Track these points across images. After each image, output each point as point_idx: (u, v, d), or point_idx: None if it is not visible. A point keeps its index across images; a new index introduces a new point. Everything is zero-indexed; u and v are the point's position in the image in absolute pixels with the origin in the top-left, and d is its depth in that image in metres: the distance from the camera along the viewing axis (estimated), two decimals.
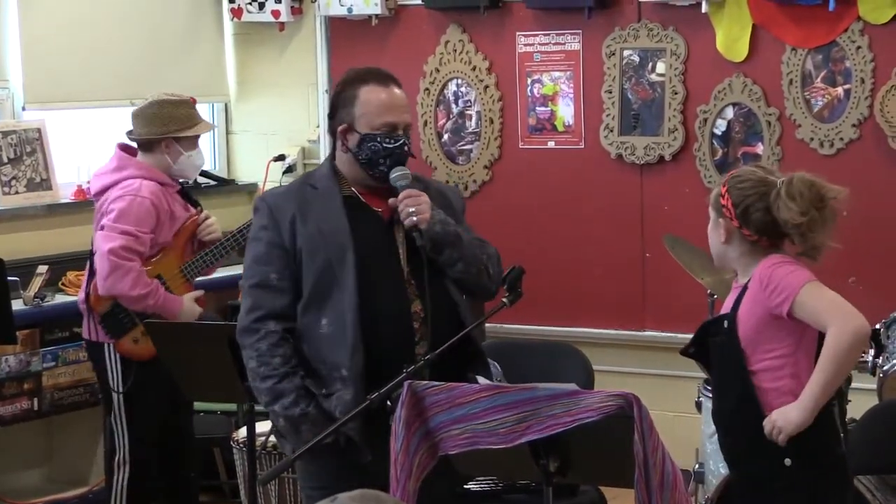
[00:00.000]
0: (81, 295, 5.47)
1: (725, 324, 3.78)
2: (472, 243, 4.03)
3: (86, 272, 5.48)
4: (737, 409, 3.74)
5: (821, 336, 3.70)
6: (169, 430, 5.56)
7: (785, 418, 3.64)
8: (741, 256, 3.80)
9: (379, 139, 3.93)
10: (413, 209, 3.88)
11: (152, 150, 5.47)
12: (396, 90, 3.99)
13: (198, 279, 5.59)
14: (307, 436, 3.81)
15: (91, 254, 5.41)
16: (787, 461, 3.66)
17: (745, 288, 3.78)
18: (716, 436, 4.59)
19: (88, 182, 6.60)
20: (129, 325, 5.37)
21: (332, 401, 3.85)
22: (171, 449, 5.59)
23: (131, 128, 5.54)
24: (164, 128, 5.45)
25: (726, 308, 3.82)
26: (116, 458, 5.46)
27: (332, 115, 4.03)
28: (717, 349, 3.82)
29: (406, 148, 3.97)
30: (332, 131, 4.03)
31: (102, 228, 5.34)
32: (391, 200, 3.94)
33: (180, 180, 5.58)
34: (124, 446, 5.44)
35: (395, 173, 3.93)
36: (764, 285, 3.69)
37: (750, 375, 3.71)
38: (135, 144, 5.55)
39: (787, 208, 3.69)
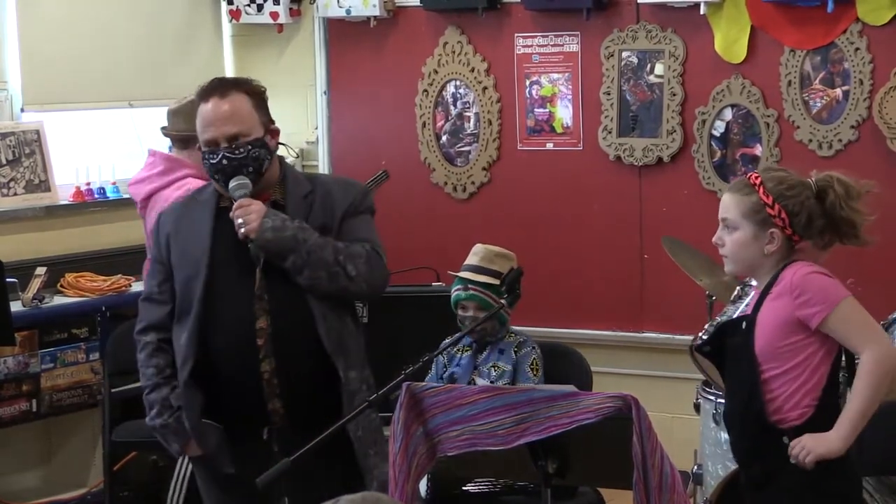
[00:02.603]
0: None
1: (743, 325, 3.72)
2: (320, 246, 3.90)
3: None
4: (745, 410, 3.69)
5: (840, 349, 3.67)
6: None
7: (818, 443, 3.58)
8: (776, 263, 3.71)
9: (206, 156, 3.95)
10: (241, 220, 3.87)
11: (188, 146, 5.39)
12: (219, 101, 3.93)
13: None
14: (174, 446, 4.02)
15: None
16: (792, 461, 3.61)
17: (765, 292, 3.70)
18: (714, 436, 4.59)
19: (85, 184, 6.65)
20: None
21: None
22: None
23: (165, 124, 5.52)
24: None
25: (746, 311, 3.75)
26: None
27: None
28: (732, 350, 3.76)
29: (224, 161, 3.91)
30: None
31: None
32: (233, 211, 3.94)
33: None
34: None
35: (233, 183, 3.91)
36: (796, 293, 3.62)
37: (760, 379, 3.65)
38: (168, 141, 5.57)
39: (853, 210, 3.68)
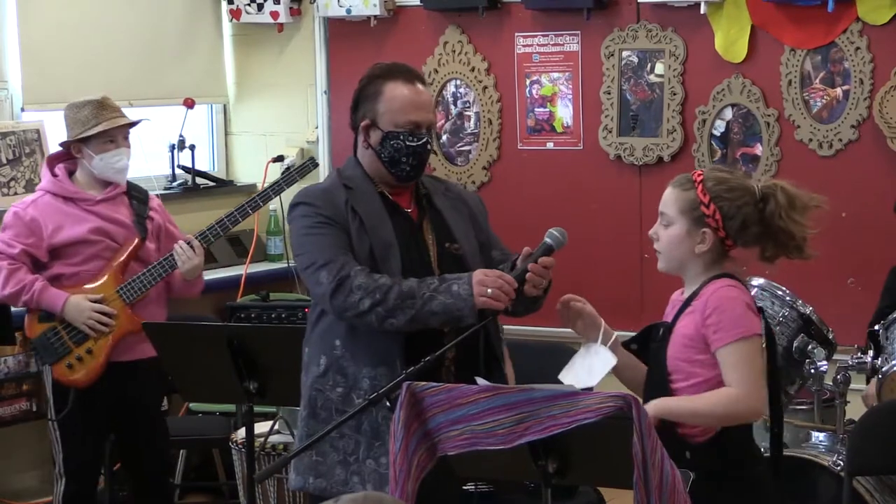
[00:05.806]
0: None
1: (661, 332, 3.72)
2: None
3: None
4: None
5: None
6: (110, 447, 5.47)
7: (653, 405, 3.58)
8: (706, 266, 3.67)
9: (402, 137, 3.90)
10: (537, 284, 3.99)
11: (72, 157, 5.28)
12: (422, 88, 3.96)
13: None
14: (467, 293, 3.79)
15: None
16: (691, 475, 3.58)
17: (687, 302, 3.68)
18: None
19: None
20: (62, 352, 5.22)
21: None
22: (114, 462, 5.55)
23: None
24: (70, 132, 5.24)
25: (669, 317, 3.73)
26: (55, 471, 5.32)
27: (355, 109, 3.99)
28: (651, 354, 3.75)
29: (428, 147, 3.96)
30: (354, 126, 3.99)
31: None
32: (536, 263, 4.01)
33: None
34: (59, 463, 5.27)
35: (560, 235, 4.06)
36: (708, 312, 3.59)
37: (670, 388, 3.65)
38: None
39: (794, 222, 3.61)
